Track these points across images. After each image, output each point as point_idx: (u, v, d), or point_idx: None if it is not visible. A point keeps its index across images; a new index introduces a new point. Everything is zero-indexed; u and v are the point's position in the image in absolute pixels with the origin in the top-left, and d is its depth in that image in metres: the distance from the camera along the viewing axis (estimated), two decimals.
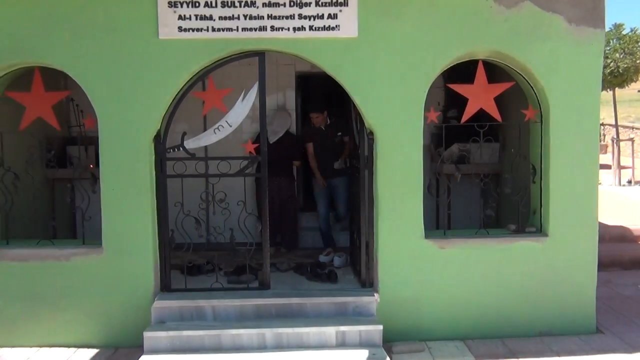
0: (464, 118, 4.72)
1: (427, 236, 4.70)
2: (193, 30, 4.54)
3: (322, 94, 7.88)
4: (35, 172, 5.02)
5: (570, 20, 4.54)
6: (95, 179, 4.78)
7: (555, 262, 4.71)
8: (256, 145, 4.78)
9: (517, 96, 4.92)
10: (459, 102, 5.03)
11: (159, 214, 4.70)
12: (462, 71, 4.96)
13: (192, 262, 5.01)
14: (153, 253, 4.66)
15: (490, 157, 6.03)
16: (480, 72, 4.69)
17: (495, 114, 4.70)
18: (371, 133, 4.70)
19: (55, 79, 5.42)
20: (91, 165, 5.82)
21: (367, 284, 4.87)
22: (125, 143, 4.59)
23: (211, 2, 4.52)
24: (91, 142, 5.90)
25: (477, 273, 4.72)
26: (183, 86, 4.67)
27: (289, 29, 4.54)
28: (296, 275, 5.44)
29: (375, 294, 4.68)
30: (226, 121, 4.71)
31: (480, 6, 4.54)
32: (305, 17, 4.53)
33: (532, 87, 4.74)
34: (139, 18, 4.52)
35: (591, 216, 4.71)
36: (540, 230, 4.83)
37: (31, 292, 4.64)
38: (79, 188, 4.94)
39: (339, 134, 5.98)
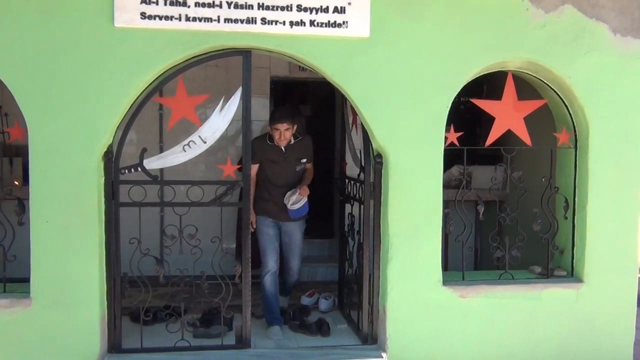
0: (490, 139, 3.93)
1: (444, 282, 3.88)
2: (161, 18, 3.52)
3: (295, 102, 7.02)
4: None
5: (615, 29, 3.86)
6: (22, 206, 3.64)
7: (592, 312, 4.00)
8: (237, 166, 3.80)
9: (540, 116, 4.16)
10: (466, 119, 4.26)
11: (108, 253, 3.63)
12: (472, 86, 4.17)
13: (149, 308, 3.90)
14: (99, 305, 3.58)
15: (493, 182, 5.30)
16: (510, 87, 3.93)
17: (525, 137, 3.95)
18: (379, 156, 3.84)
19: None
20: (15, 182, 4.65)
21: (370, 340, 3.97)
22: (66, 161, 3.50)
23: None
24: (17, 153, 4.74)
25: (503, 326, 3.93)
26: (145, 89, 3.64)
27: (284, 22, 3.60)
28: None
29: (383, 354, 3.80)
30: (199, 136, 3.71)
31: (514, 8, 3.78)
32: (305, 10, 3.61)
33: (566, 107, 4.03)
34: None
35: (631, 259, 4.04)
36: (571, 274, 4.11)
37: None
38: (2, 219, 3.75)
39: (303, 160, 4.36)
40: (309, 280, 5.77)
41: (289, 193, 4.24)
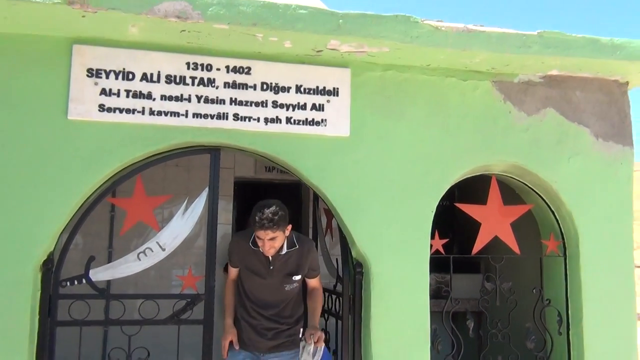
0: (477, 247, 3.65)
1: None
2: (122, 111, 3.18)
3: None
4: None
5: (597, 134, 3.77)
6: None
7: None
8: (198, 277, 3.33)
9: (522, 222, 3.92)
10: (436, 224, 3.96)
11: None
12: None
13: None
14: None
15: (471, 291, 4.97)
16: (495, 191, 3.72)
17: (513, 244, 3.69)
18: (360, 264, 3.46)
19: None
20: None
21: None
22: None
23: (151, 75, 3.23)
24: None
25: None
26: (97, 189, 3.21)
27: (258, 119, 3.33)
28: None
29: None
30: (157, 242, 3.26)
31: (497, 111, 3.66)
32: (281, 106, 3.36)
33: (553, 213, 3.83)
34: (40, 87, 3.11)
35: None
36: None
37: None
38: None
39: (296, 277, 3.17)
40: None
41: (301, 347, 3.10)
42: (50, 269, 3.08)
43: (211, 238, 3.30)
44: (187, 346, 3.34)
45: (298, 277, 3.15)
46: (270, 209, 2.94)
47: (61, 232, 3.13)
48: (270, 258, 3.08)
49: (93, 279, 3.17)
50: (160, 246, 3.24)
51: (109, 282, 3.89)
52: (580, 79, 3.79)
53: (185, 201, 3.34)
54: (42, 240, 3.03)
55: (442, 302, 3.80)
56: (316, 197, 4.27)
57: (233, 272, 3.25)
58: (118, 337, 3.27)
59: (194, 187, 3.42)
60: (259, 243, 3.02)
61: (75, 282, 3.15)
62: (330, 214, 4.12)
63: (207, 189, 3.35)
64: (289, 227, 3.08)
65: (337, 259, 3.73)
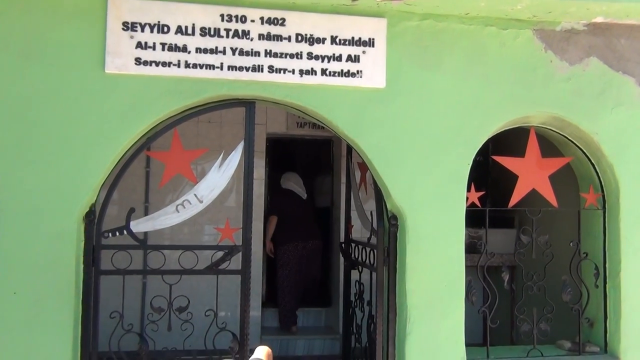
0: (514, 200, 3.60)
1: None
2: (157, 64, 3.18)
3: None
4: None
5: None
6: None
7: None
8: (235, 229, 3.38)
9: (560, 175, 3.84)
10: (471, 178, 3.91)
11: (84, 328, 3.11)
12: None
13: None
14: None
15: (505, 246, 4.94)
16: (533, 143, 3.65)
17: (551, 197, 3.63)
18: (395, 217, 3.46)
19: None
20: None
21: None
22: (41, 222, 3.04)
23: (186, 28, 3.21)
24: None
25: None
26: (135, 142, 3.25)
27: (293, 71, 3.29)
28: None
29: None
30: (195, 195, 3.30)
31: (538, 60, 3.54)
32: (316, 57, 3.31)
33: (593, 165, 3.74)
34: (76, 42, 3.12)
35: None
36: (604, 350, 3.69)
37: None
38: None
39: None
40: (305, 355, 5.24)
41: None
42: (93, 221, 3.15)
43: (248, 190, 3.33)
44: (225, 296, 3.40)
45: None
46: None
47: (101, 186, 3.20)
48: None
49: (134, 230, 3.24)
50: (197, 198, 3.29)
51: (146, 234, 3.97)
52: (626, 26, 3.63)
53: (221, 155, 3.35)
54: (83, 192, 3.10)
55: (475, 256, 3.79)
56: (349, 151, 4.26)
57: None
58: (156, 288, 3.37)
59: (226, 143, 3.44)
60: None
61: (117, 234, 3.22)
62: (364, 167, 4.12)
63: (242, 142, 3.35)
64: None
65: (371, 212, 3.73)
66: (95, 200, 3.19)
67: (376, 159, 3.38)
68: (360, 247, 3.95)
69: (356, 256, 4.03)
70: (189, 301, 3.25)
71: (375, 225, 3.63)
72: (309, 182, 6.02)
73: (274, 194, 5.69)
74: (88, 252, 3.14)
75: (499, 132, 3.63)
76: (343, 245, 4.39)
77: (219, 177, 3.33)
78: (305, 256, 5.39)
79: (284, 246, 5.33)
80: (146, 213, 4.78)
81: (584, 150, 3.73)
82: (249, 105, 3.37)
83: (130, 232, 3.23)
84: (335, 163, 5.74)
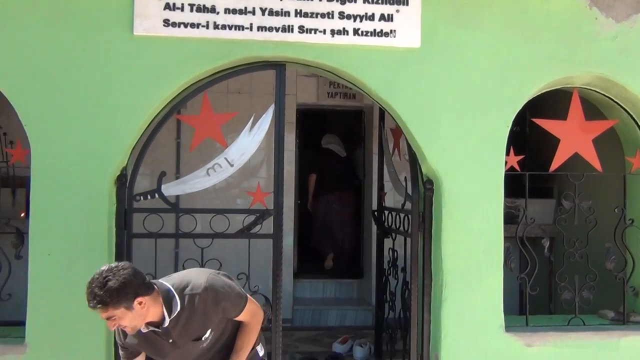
0: (555, 164, 3.46)
1: (506, 328, 3.32)
2: (186, 25, 3.13)
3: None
4: None
5: None
6: (21, 237, 3.18)
7: None
8: (267, 193, 3.33)
9: (603, 138, 3.65)
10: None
11: None
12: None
13: None
14: (105, 354, 3.05)
15: (544, 217, 4.78)
16: (576, 105, 3.48)
17: (595, 161, 3.47)
18: (430, 181, 3.36)
19: None
20: (22, 214, 4.21)
21: None
22: (73, 185, 3.05)
23: None
24: (21, 183, 4.31)
25: None
26: (165, 106, 3.22)
27: (324, 31, 3.20)
28: None
29: None
30: (225, 158, 3.26)
31: (582, 17, 3.36)
32: (348, 17, 3.21)
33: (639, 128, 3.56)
34: (104, 4, 3.09)
35: None
36: None
37: None
38: None
39: (206, 336, 2.20)
40: (337, 325, 5.22)
41: None
42: (124, 184, 3.15)
43: (279, 153, 3.27)
44: (256, 269, 3.37)
45: (209, 332, 2.24)
46: (99, 280, 1.99)
47: (132, 150, 3.18)
48: (163, 332, 2.16)
49: (165, 194, 3.23)
50: (228, 162, 3.24)
51: (177, 199, 3.95)
52: None
53: (252, 118, 3.30)
54: (114, 155, 3.09)
55: (512, 227, 3.65)
56: (382, 117, 4.17)
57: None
58: (188, 252, 3.36)
59: (256, 114, 3.36)
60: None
61: (148, 197, 3.21)
62: (397, 133, 4.02)
63: (273, 105, 3.29)
64: (141, 300, 2.03)
65: (405, 178, 3.64)
66: (127, 164, 3.18)
67: (411, 122, 3.28)
68: (393, 213, 3.86)
69: (389, 224, 3.95)
70: (220, 264, 3.22)
71: (409, 190, 3.54)
72: (346, 158, 5.97)
73: (314, 154, 6.02)
74: (120, 215, 3.14)
75: (538, 94, 3.47)
76: (376, 213, 4.31)
77: (250, 141, 3.28)
78: (341, 206, 5.74)
79: (321, 198, 5.75)
80: None
81: (630, 112, 3.54)
82: (279, 67, 3.29)
83: (161, 195, 3.22)
84: (366, 134, 5.65)
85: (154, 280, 2.16)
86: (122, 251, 3.15)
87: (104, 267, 2.05)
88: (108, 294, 1.96)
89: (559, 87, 3.51)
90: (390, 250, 3.94)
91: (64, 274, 3.02)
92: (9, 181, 4.19)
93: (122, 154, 3.10)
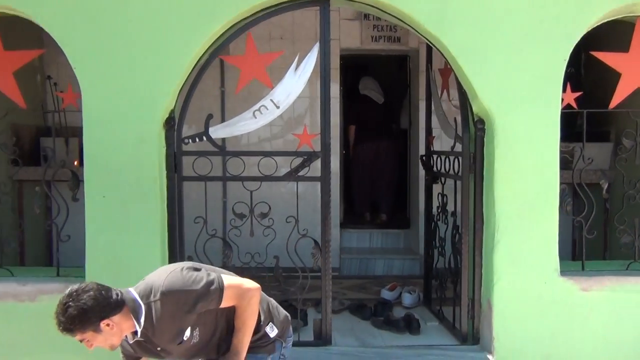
0: (615, 100, 3.27)
1: (561, 272, 3.23)
2: None
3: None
4: None
5: None
6: (78, 181, 3.26)
7: None
8: (314, 135, 3.29)
9: None
10: None
11: (171, 233, 3.19)
12: None
13: None
14: None
15: (600, 162, 4.57)
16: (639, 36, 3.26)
17: None
18: (481, 121, 3.24)
19: (26, 34, 3.83)
20: (76, 162, 4.33)
21: (471, 339, 3.37)
22: (123, 128, 3.08)
23: None
24: (74, 133, 4.42)
25: (633, 325, 3.25)
26: (209, 47, 3.18)
27: None
28: (355, 319, 3.94)
29: (488, 356, 3.19)
30: (271, 100, 3.22)
31: None
32: None
33: None
34: None
35: None
36: None
37: None
38: (55, 194, 3.37)
39: (186, 335, 2.11)
40: (384, 274, 5.21)
41: None
42: (173, 127, 3.16)
43: (325, 93, 3.21)
44: (302, 217, 3.35)
45: (189, 331, 2.10)
46: (61, 307, 1.93)
47: (179, 92, 3.18)
48: (142, 339, 2.10)
49: (212, 137, 3.23)
50: (274, 103, 3.21)
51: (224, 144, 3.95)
52: None
53: (296, 58, 3.23)
54: (163, 97, 3.09)
55: (566, 173, 3.47)
56: (429, 58, 4.04)
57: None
58: (236, 195, 3.37)
59: (301, 54, 3.28)
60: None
61: (197, 140, 3.23)
62: (446, 73, 3.89)
63: (317, 43, 3.21)
64: (108, 321, 1.96)
65: (455, 119, 3.53)
66: (174, 107, 3.18)
67: (461, 57, 3.14)
68: (442, 157, 3.77)
69: (438, 168, 3.86)
70: (269, 207, 3.24)
71: (459, 131, 3.43)
72: (384, 105, 5.83)
73: (352, 102, 5.87)
74: (170, 158, 3.18)
75: (596, 26, 3.25)
76: (424, 157, 4.22)
77: (295, 82, 3.22)
78: (381, 156, 5.67)
79: (360, 146, 5.70)
80: None
81: None
82: (322, 4, 3.20)
83: (209, 138, 3.22)
84: (412, 80, 5.49)
85: (122, 290, 2.04)
86: (174, 194, 3.19)
87: (67, 291, 1.95)
88: (70, 321, 1.91)
89: (620, 16, 3.28)
90: (440, 196, 3.85)
91: (118, 215, 3.09)
92: (62, 131, 4.30)
93: (169, 96, 3.10)
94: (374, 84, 5.72)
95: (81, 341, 1.99)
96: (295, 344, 3.28)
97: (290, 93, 3.22)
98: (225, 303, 2.10)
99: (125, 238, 3.08)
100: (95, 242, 3.09)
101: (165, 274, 2.07)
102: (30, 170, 4.24)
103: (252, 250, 3.29)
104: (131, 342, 2.13)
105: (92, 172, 3.08)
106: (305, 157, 3.27)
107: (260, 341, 2.27)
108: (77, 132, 4.50)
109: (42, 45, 4.18)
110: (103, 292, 1.97)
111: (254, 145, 4.89)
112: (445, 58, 3.28)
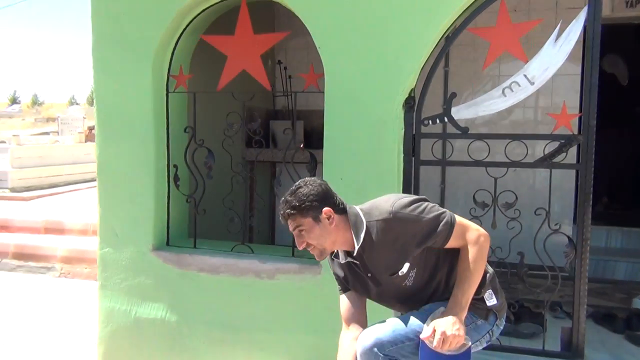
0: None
1: None
2: None
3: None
4: (234, 151, 3.60)
5: None
6: (314, 162, 3.25)
7: None
8: (576, 115, 2.84)
9: None
10: None
11: None
12: None
13: None
14: None
15: None
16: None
17: None
18: None
19: (262, 18, 3.92)
20: (301, 146, 4.42)
21: None
22: (363, 109, 2.98)
23: None
24: (299, 116, 4.53)
25: None
26: (455, 19, 2.91)
27: None
28: (603, 330, 3.44)
29: None
30: (525, 75, 2.84)
31: None
32: None
33: None
34: None
35: None
36: None
37: (220, 317, 3.28)
38: (289, 176, 3.41)
39: (402, 271, 2.01)
40: (626, 280, 4.50)
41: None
42: (412, 107, 2.97)
43: (592, 65, 2.73)
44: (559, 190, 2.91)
45: (407, 267, 1.98)
46: (292, 189, 2.01)
47: (420, 70, 2.97)
48: (356, 262, 2.04)
49: (455, 117, 2.97)
50: (528, 79, 2.83)
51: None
52: None
53: (558, 26, 2.80)
54: (403, 77, 2.91)
55: None
56: None
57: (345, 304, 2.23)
58: (480, 182, 3.07)
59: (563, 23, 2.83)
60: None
61: (437, 121, 2.99)
62: None
63: (586, 7, 2.74)
64: (329, 211, 1.96)
65: None
66: (415, 86, 2.99)
67: None
68: None
69: None
70: (516, 197, 2.89)
71: None
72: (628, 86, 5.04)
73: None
74: (408, 141, 2.99)
75: None
76: None
77: (555, 53, 2.80)
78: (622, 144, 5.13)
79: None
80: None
81: None
82: None
83: (451, 119, 2.97)
84: None
85: (346, 204, 2.05)
86: (410, 178, 3.01)
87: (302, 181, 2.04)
88: (297, 198, 1.96)
89: None
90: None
91: (354, 197, 2.98)
92: (288, 115, 4.42)
93: (411, 75, 2.91)
94: (620, 61, 5.02)
95: (295, 229, 1.99)
96: (539, 353, 2.96)
97: (549, 67, 2.81)
98: (453, 242, 1.97)
99: None
100: None
101: (396, 198, 2.00)
102: (264, 151, 4.42)
103: (494, 244, 2.96)
104: (343, 262, 2.09)
105: (331, 154, 3.04)
106: (563, 140, 2.83)
107: (477, 303, 2.06)
108: (303, 115, 4.63)
109: (274, 30, 4.32)
110: (331, 190, 2.04)
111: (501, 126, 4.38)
112: None
